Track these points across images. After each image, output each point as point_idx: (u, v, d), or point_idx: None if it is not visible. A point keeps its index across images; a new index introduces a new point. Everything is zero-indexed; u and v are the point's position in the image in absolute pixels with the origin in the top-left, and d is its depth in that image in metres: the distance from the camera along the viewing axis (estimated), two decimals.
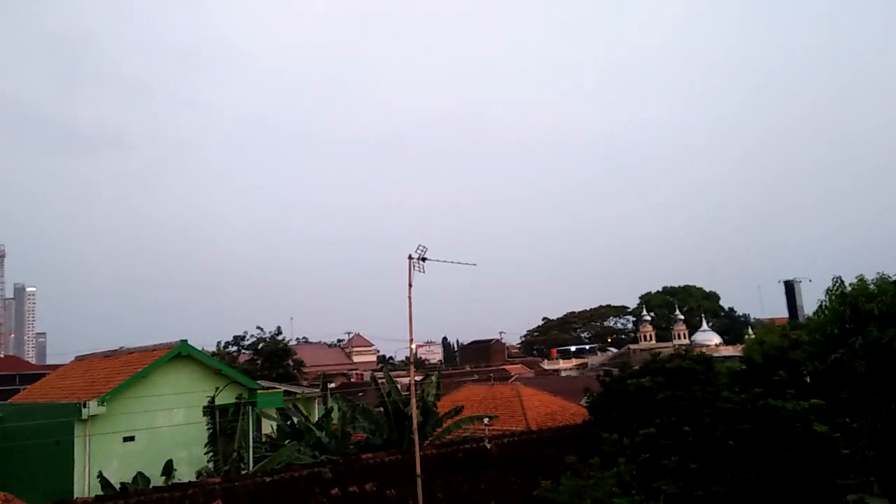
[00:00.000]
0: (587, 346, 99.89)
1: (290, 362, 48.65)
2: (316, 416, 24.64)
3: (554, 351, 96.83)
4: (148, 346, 24.47)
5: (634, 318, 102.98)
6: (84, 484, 19.04)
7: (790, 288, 56.50)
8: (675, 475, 12.97)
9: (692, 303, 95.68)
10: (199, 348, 24.64)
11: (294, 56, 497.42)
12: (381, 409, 18.90)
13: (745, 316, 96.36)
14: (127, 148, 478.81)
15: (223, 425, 18.28)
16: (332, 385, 39.26)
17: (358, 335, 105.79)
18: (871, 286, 15.82)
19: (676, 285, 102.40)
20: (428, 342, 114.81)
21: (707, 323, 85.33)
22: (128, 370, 22.33)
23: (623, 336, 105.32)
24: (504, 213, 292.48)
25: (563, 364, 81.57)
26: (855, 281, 16.21)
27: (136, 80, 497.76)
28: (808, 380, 16.46)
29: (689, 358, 17.70)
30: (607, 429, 14.68)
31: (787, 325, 27.19)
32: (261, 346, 48.41)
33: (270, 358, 47.31)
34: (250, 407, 22.41)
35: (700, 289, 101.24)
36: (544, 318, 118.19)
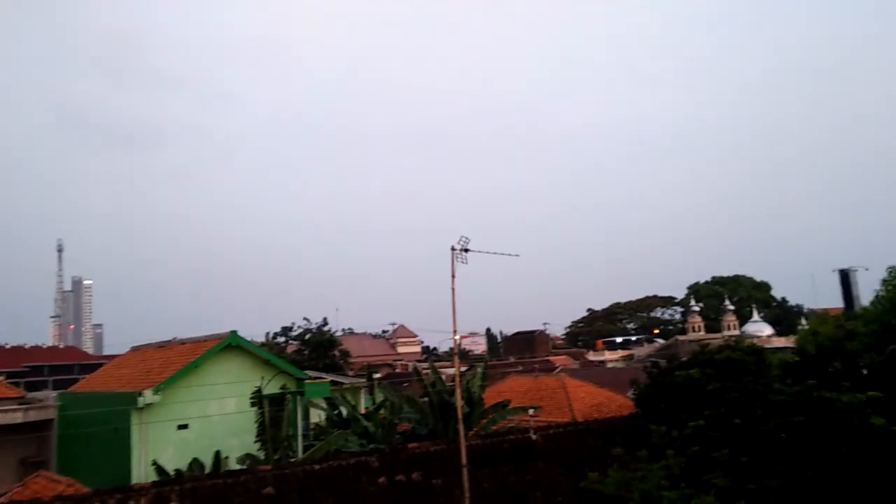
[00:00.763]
0: (633, 338, 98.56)
1: (336, 353, 49.33)
2: (362, 406, 24.95)
3: (599, 342, 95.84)
4: (199, 337, 25.14)
5: (682, 309, 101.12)
6: (140, 470, 19.72)
7: (846, 277, 54.54)
8: (726, 468, 12.72)
9: (742, 293, 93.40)
10: (248, 339, 25.20)
11: (332, 52, 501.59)
12: (426, 399, 19.03)
13: (797, 306, 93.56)
14: (171, 144, 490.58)
15: (272, 414, 18.66)
16: (378, 375, 39.69)
17: (402, 326, 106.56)
18: None
19: (726, 275, 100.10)
20: (472, 333, 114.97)
21: (758, 313, 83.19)
22: (181, 360, 22.99)
23: (670, 327, 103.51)
24: (549, 205, 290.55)
25: (608, 355, 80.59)
26: None
27: (177, 77, 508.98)
28: (865, 372, 15.94)
29: (740, 349, 17.29)
30: (654, 421, 14.47)
31: (841, 316, 26.31)
32: (308, 336, 49.20)
33: (317, 348, 48.05)
34: (298, 396, 22.82)
35: (750, 279, 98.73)
36: (589, 309, 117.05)
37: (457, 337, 11.32)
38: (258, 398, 17.66)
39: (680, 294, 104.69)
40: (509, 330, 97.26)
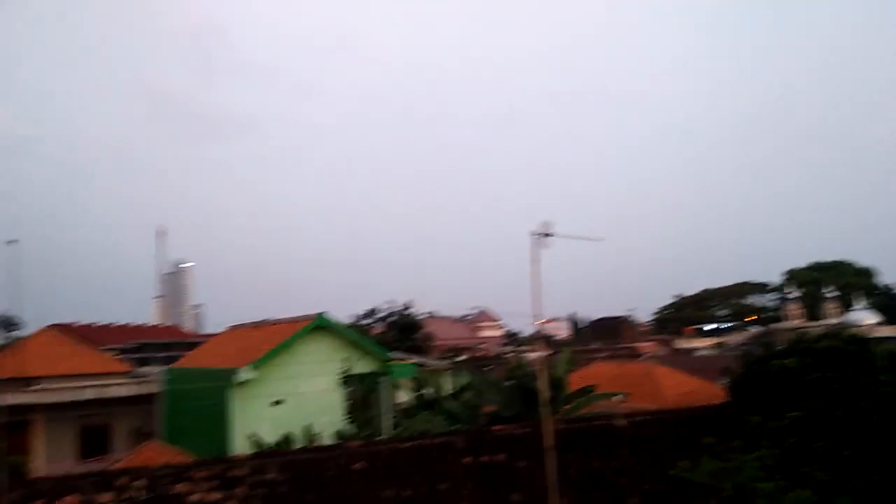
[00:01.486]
0: (725, 325, 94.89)
1: (420, 335, 50.17)
2: (446, 388, 25.30)
3: (689, 329, 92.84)
4: (290, 318, 26.19)
5: (778, 296, 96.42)
6: (239, 442, 20.84)
7: None
8: (826, 462, 12.14)
9: (844, 280, 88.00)
10: (336, 321, 26.04)
11: (413, 39, 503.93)
12: (510, 383, 19.10)
13: None
14: (258, 133, 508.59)
15: (360, 393, 19.27)
16: (461, 358, 40.11)
17: (485, 310, 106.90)
18: None
19: (825, 261, 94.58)
20: (554, 318, 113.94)
21: (861, 301, 78.18)
22: (274, 340, 24.04)
23: (765, 314, 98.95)
24: (635, 191, 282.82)
25: (698, 343, 77.96)
26: None
27: (262, 68, 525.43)
28: None
29: (841, 338, 16.35)
30: (748, 411, 13.96)
31: None
32: (392, 319, 50.27)
33: (402, 331, 49.03)
34: (384, 377, 23.41)
35: (852, 265, 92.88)
36: (678, 295, 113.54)
37: (539, 322, 11.28)
38: (346, 377, 18.23)
39: (774, 280, 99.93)
40: (594, 315, 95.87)
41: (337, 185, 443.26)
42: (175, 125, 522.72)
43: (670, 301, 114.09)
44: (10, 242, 8.66)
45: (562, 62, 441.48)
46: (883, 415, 12.74)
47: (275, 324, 27.17)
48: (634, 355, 39.94)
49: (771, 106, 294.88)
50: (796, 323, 70.99)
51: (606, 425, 12.94)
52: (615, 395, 19.67)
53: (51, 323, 37.62)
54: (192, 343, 55.82)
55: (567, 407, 17.89)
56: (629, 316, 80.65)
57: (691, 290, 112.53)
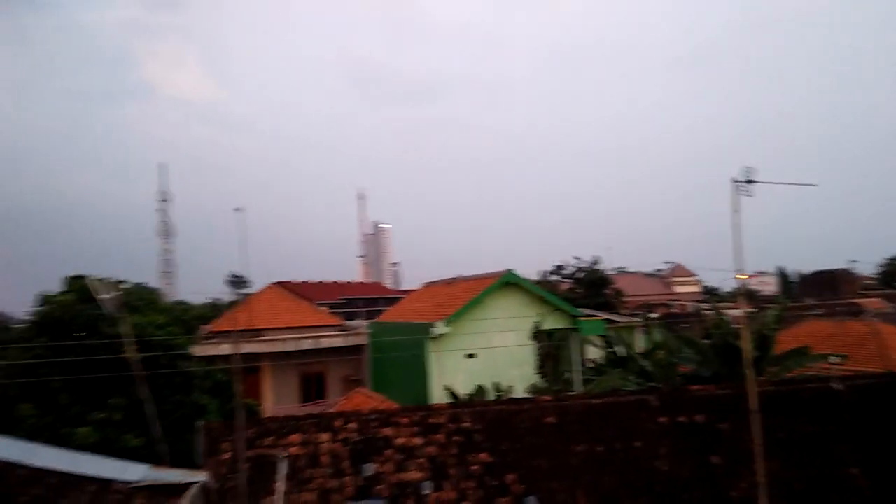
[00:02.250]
0: None
1: (610, 291, 49.08)
2: (637, 346, 24.62)
3: None
4: (480, 275, 26.94)
5: None
6: (436, 392, 22.08)
7: None
8: None
9: None
10: (524, 277, 26.32)
11: None
12: (709, 341, 18.11)
13: None
14: (450, 93, 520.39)
15: (549, 349, 19.42)
16: (654, 315, 38.68)
17: (679, 265, 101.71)
18: None
19: None
20: (759, 272, 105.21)
21: None
22: (466, 296, 24.93)
23: None
24: (852, 128, 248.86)
25: None
26: None
27: (453, 26, 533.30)
28: None
29: None
30: None
31: None
32: (580, 275, 49.67)
33: (590, 287, 48.33)
34: (574, 333, 23.31)
35: None
36: None
37: (741, 276, 10.46)
38: (536, 333, 18.43)
39: None
40: (806, 269, 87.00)
41: (523, 141, 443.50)
42: (374, 91, 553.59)
43: None
44: (236, 210, 9.81)
45: None
46: None
47: (466, 280, 28.13)
48: (856, 313, 35.72)
49: None
50: None
51: (821, 388, 11.79)
52: (832, 356, 17.86)
53: (273, 281, 42.23)
54: (392, 299, 59.84)
55: (774, 368, 16.62)
56: (850, 269, 71.97)
57: None
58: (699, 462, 10.11)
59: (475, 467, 9.81)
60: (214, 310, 61.02)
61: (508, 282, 24.54)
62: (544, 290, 27.80)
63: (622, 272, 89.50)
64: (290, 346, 30.25)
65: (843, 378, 12.28)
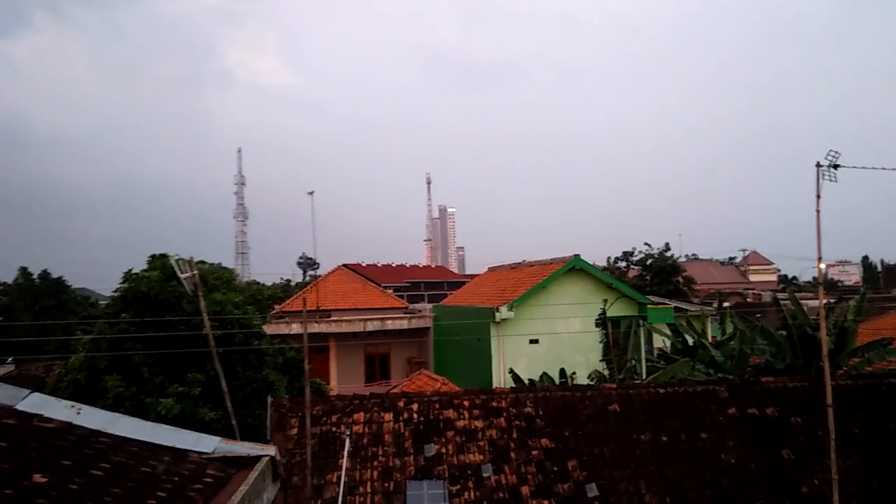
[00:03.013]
0: None
1: (680, 279, 47.78)
2: (709, 335, 23.96)
3: None
4: (545, 260, 26.73)
5: None
6: (499, 376, 22.15)
7: None
8: None
9: None
10: (590, 263, 25.95)
11: None
12: (784, 332, 17.45)
13: None
14: (521, 77, 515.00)
15: (615, 336, 19.08)
16: (727, 304, 37.46)
17: (755, 253, 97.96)
18: None
19: None
20: (841, 261, 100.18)
21: None
22: (530, 281, 24.82)
23: None
24: None
25: None
26: None
27: (525, 8, 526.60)
28: None
29: None
30: None
31: None
32: (649, 262, 48.54)
33: (659, 274, 47.16)
34: (641, 321, 22.87)
35: None
36: None
37: (822, 265, 10.00)
38: (602, 319, 18.16)
39: None
40: (892, 259, 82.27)
41: (592, 124, 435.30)
42: (444, 75, 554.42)
43: None
44: (309, 193, 10.08)
45: None
46: None
47: (531, 265, 27.98)
48: None
49: None
50: None
51: None
52: None
53: (341, 264, 43.15)
54: (456, 283, 60.09)
55: (854, 361, 15.88)
56: None
57: None
58: (769, 456, 9.80)
59: (536, 452, 9.82)
60: (285, 290, 62.95)
61: (574, 267, 24.26)
62: (611, 277, 27.34)
63: (694, 259, 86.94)
64: (356, 327, 30.90)
65: None
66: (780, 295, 24.59)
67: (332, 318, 31.75)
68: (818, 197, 8.96)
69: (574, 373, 20.62)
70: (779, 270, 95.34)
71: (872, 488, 9.33)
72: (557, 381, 19.70)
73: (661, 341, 23.42)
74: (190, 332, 13.97)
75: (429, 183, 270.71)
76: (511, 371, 20.13)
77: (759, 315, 29.90)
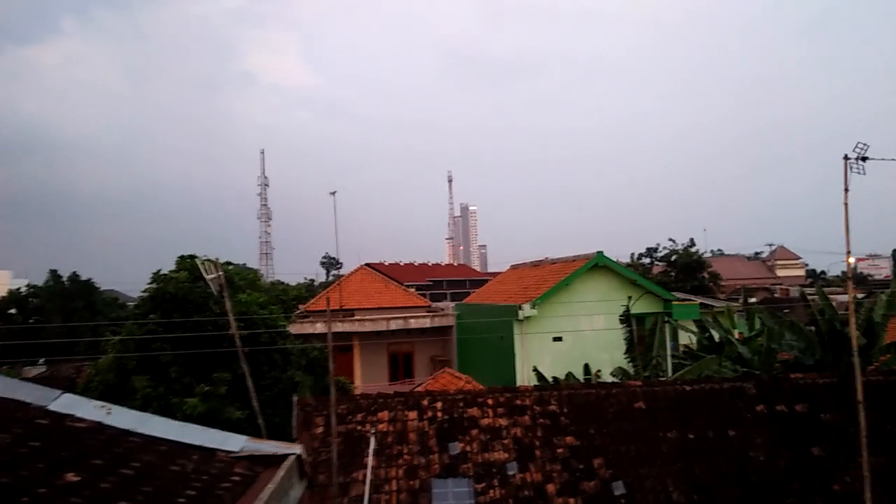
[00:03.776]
0: None
1: (705, 275, 47.26)
2: (735, 331, 23.67)
3: None
4: (568, 257, 26.57)
5: None
6: (523, 374, 22.08)
7: None
8: None
9: None
10: (614, 260, 25.75)
11: None
12: (813, 327, 17.16)
13: None
14: (540, 73, 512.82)
15: (640, 333, 18.92)
16: (753, 300, 36.98)
17: (782, 247, 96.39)
18: None
19: None
20: (871, 255, 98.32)
21: None
22: (553, 278, 24.69)
23: None
24: None
25: None
26: None
27: (546, 3, 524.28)
28: None
29: None
30: None
31: None
32: (674, 258, 48.08)
33: (684, 270, 46.72)
34: (666, 317, 22.64)
35: None
36: None
37: (851, 259, 9.83)
38: (626, 316, 18.04)
39: None
40: None
41: (614, 121, 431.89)
42: (465, 73, 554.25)
43: None
44: (331, 193, 10.12)
45: None
46: None
47: (553, 263, 27.84)
48: None
49: None
50: None
51: None
52: None
53: (364, 263, 43.35)
54: (478, 281, 60.06)
55: (885, 357, 15.58)
56: None
57: None
58: (799, 453, 9.65)
59: (561, 450, 9.78)
60: (309, 290, 63.45)
61: (598, 264, 24.10)
62: (635, 273, 27.11)
63: (719, 255, 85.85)
64: (379, 326, 31.04)
65: None
66: (807, 290, 24.17)
67: (356, 318, 31.91)
68: (846, 190, 8.81)
69: (598, 370, 20.50)
70: (806, 265, 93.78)
71: None
72: (582, 377, 19.61)
73: (686, 338, 23.17)
74: (217, 332, 14.14)
75: (450, 181, 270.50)
76: (535, 369, 20.07)
77: (786, 311, 29.46)
